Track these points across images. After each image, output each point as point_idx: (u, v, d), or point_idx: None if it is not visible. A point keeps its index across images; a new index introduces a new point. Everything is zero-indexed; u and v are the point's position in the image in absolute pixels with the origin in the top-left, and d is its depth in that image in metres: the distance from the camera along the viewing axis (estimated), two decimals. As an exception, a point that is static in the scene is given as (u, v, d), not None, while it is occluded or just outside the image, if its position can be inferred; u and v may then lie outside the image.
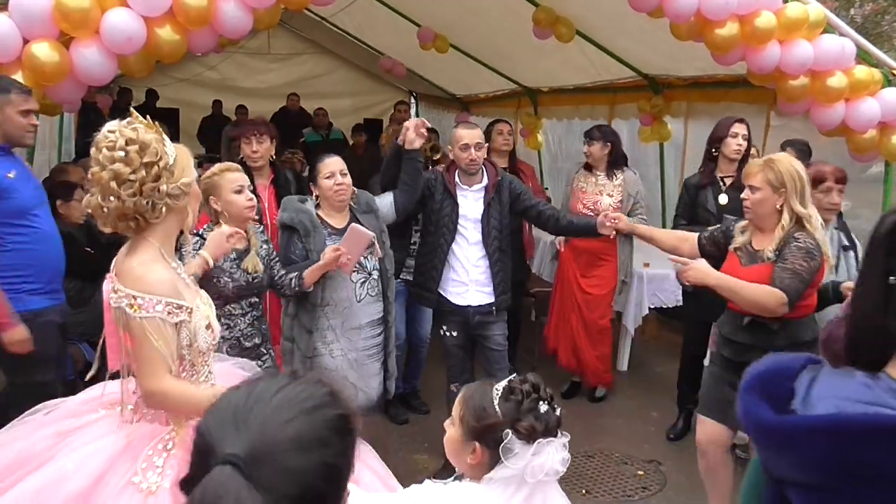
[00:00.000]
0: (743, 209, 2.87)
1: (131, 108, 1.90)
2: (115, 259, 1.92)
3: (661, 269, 4.86)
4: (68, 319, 3.25)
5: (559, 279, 4.79)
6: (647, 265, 4.97)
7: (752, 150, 4.01)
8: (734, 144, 3.86)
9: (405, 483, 2.12)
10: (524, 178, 4.43)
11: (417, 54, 7.43)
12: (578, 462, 3.89)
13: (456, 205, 3.55)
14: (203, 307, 1.94)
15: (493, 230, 3.55)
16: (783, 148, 3.95)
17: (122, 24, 3.05)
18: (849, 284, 2.86)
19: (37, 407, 2.02)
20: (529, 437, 1.54)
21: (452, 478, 1.66)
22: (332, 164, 3.13)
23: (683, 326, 4.58)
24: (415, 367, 4.53)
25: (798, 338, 2.73)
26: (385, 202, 3.40)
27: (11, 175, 2.89)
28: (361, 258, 3.11)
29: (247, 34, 3.74)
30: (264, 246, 3.01)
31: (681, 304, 4.77)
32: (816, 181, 3.18)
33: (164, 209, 1.82)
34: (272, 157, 3.98)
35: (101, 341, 1.97)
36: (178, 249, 2.19)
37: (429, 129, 3.46)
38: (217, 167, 2.93)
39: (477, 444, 1.58)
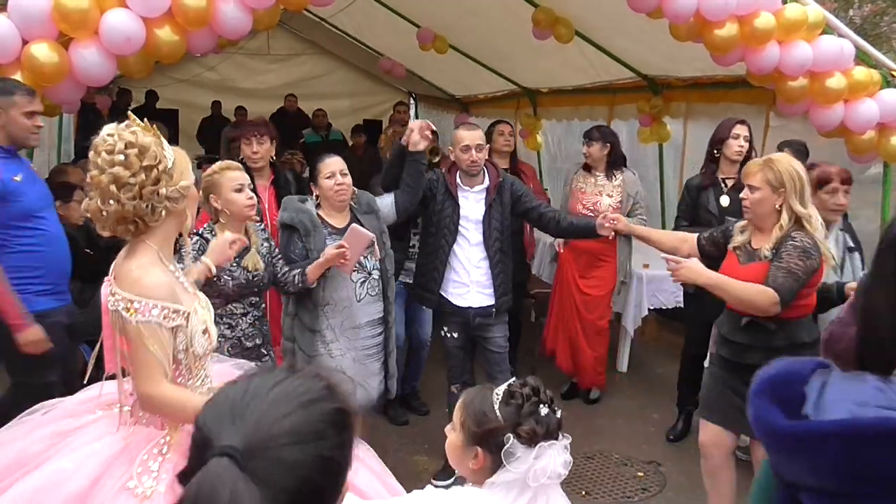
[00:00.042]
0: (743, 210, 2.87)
1: (129, 112, 1.90)
2: (114, 262, 1.92)
3: (661, 270, 4.81)
4: (74, 320, 3.26)
5: (558, 280, 4.79)
6: (646, 266, 4.97)
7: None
8: (736, 146, 3.86)
9: (405, 484, 2.12)
10: (525, 179, 4.43)
11: (417, 55, 7.43)
12: (578, 463, 3.89)
13: (457, 206, 3.55)
14: (201, 311, 1.94)
15: (494, 231, 3.55)
16: (780, 149, 3.94)
17: (122, 24, 3.05)
18: (853, 285, 2.85)
19: (34, 407, 2.03)
20: (531, 440, 1.54)
21: (452, 479, 1.66)
22: (333, 164, 3.13)
23: (683, 327, 4.59)
24: (415, 368, 4.53)
25: (797, 338, 2.72)
26: (386, 202, 3.40)
27: (18, 178, 2.91)
28: (361, 258, 3.11)
29: (246, 35, 3.74)
30: (265, 244, 3.02)
31: (681, 305, 4.77)
32: (822, 182, 3.17)
33: (163, 212, 1.82)
34: (272, 157, 3.98)
35: (98, 343, 1.97)
36: (178, 251, 2.19)
37: (432, 132, 3.46)
38: (217, 165, 2.92)
39: (479, 448, 1.58)
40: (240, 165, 2.98)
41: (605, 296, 4.60)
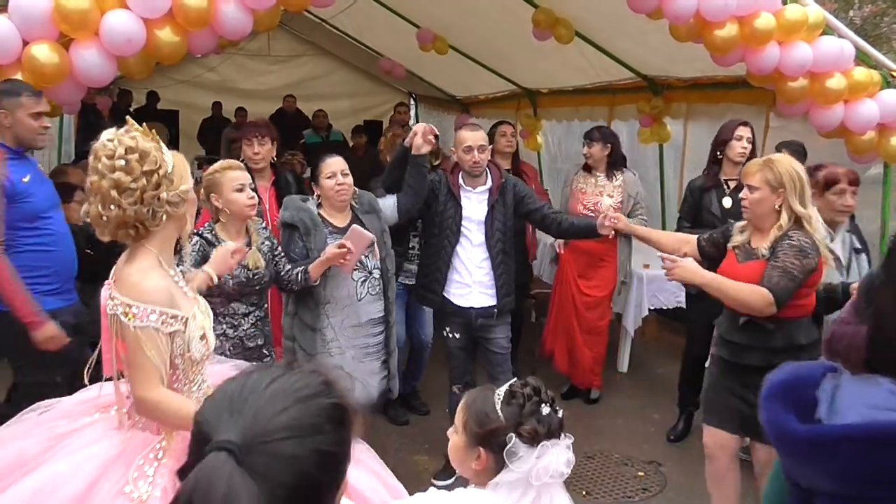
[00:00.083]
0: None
1: (128, 117, 1.91)
2: (114, 266, 1.92)
3: (661, 270, 4.84)
4: (81, 319, 3.26)
5: (558, 281, 4.80)
6: (646, 266, 4.97)
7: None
8: (739, 147, 3.85)
9: (405, 484, 2.12)
10: (527, 180, 4.43)
11: (417, 56, 7.44)
12: (578, 463, 3.84)
13: (459, 207, 3.55)
14: (200, 317, 1.94)
15: (496, 232, 3.55)
16: (778, 150, 3.94)
17: (122, 25, 3.06)
18: (857, 285, 2.83)
19: (31, 406, 2.03)
20: (533, 440, 1.54)
21: (453, 479, 1.66)
22: (334, 164, 3.14)
23: (684, 328, 4.58)
24: (416, 368, 4.52)
25: (795, 339, 2.70)
26: (388, 204, 3.41)
27: (26, 179, 2.92)
28: (362, 257, 3.12)
29: (247, 36, 3.74)
30: (266, 242, 3.02)
31: (681, 305, 4.77)
32: (830, 183, 3.16)
33: (163, 217, 1.83)
34: (273, 158, 3.98)
35: (98, 345, 1.97)
36: (178, 252, 2.19)
37: (434, 137, 3.47)
38: (218, 164, 2.93)
39: (481, 449, 1.59)
40: (241, 165, 2.99)
41: (606, 296, 4.61)
